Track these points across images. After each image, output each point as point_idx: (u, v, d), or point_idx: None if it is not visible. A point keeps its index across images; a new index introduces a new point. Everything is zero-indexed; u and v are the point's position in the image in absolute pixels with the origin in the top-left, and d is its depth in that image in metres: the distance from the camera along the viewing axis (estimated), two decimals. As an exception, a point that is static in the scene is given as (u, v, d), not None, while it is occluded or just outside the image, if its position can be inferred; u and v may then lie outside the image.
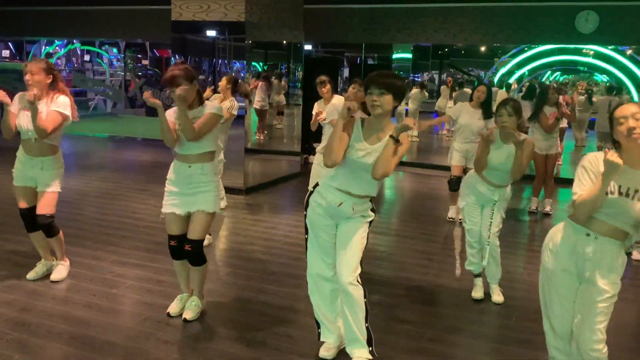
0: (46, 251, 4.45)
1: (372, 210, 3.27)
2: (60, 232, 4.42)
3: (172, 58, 8.50)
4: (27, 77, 4.06)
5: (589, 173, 2.60)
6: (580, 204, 2.56)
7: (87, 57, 24.35)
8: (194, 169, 3.66)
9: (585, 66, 21.87)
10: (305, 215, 3.28)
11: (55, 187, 4.28)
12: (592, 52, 16.79)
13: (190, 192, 3.66)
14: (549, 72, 25.07)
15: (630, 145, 2.55)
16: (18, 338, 3.47)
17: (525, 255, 5.56)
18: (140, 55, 21.99)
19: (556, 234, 2.80)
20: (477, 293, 4.41)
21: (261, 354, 3.41)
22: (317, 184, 3.29)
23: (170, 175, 3.73)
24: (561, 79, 24.72)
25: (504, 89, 14.82)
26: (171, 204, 3.70)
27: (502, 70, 23.45)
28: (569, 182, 3.27)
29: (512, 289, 4.50)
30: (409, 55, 15.87)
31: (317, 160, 5.03)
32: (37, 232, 4.34)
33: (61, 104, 4.13)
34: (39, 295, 4.13)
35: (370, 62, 13.35)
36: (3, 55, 22.24)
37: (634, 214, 2.55)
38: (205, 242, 4.96)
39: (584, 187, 2.59)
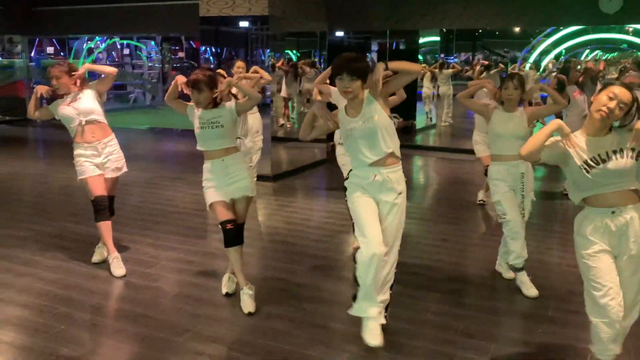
0: (110, 237, 4.71)
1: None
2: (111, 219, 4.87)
3: (208, 52, 8.93)
4: (54, 82, 4.52)
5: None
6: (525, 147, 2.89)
7: (126, 51, 25.07)
8: (227, 161, 3.98)
9: (625, 43, 21.42)
10: (347, 201, 3.46)
11: (117, 172, 4.80)
12: (631, 29, 16.47)
13: (230, 183, 3.97)
14: (588, 51, 24.57)
15: (595, 117, 2.81)
16: (63, 312, 3.92)
17: (540, 235, 5.73)
18: (177, 47, 22.59)
19: (582, 222, 2.91)
20: (532, 290, 4.26)
21: (277, 324, 3.77)
22: (351, 170, 3.49)
23: (206, 175, 4.01)
24: (605, 57, 24.12)
25: (539, 70, 14.69)
26: (217, 193, 3.97)
27: (538, 50, 23.19)
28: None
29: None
30: (438, 38, 15.89)
31: (339, 151, 5.23)
32: (109, 222, 4.68)
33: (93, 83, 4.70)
34: (82, 275, 4.59)
35: (402, 47, 13.50)
36: (48, 52, 23.16)
37: (626, 169, 2.77)
38: None
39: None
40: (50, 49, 23.27)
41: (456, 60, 23.28)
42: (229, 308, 4.04)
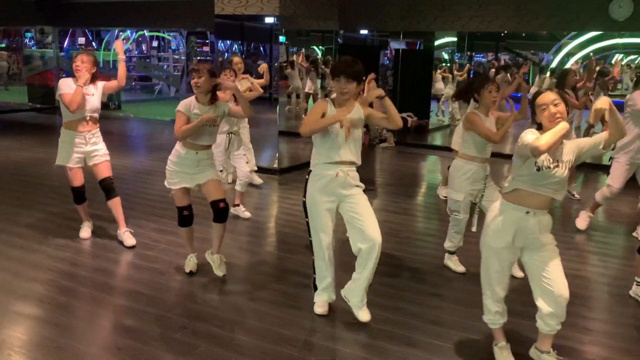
0: (87, 214, 5.43)
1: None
2: (118, 197, 5.29)
3: (236, 47, 9.24)
4: (78, 63, 4.88)
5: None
6: (544, 137, 2.89)
7: (155, 44, 25.62)
8: (201, 155, 4.38)
9: (657, 48, 21.14)
10: (304, 202, 3.84)
11: (106, 156, 5.22)
12: (664, 34, 16.26)
13: (197, 172, 4.39)
14: (622, 55, 24.27)
15: (551, 126, 3.02)
16: (67, 286, 4.30)
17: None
18: (202, 41, 23.06)
19: (497, 215, 3.21)
20: (461, 267, 4.87)
21: (261, 306, 4.09)
22: (310, 171, 3.86)
23: (174, 158, 4.39)
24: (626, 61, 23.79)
25: (549, 74, 14.67)
26: (180, 181, 4.40)
27: (563, 52, 23.05)
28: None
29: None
30: (456, 39, 15.96)
31: None
32: (85, 203, 5.32)
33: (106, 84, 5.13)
34: (87, 253, 4.99)
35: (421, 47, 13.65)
36: (79, 42, 23.84)
37: (563, 178, 3.05)
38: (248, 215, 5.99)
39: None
40: (81, 40, 23.99)
41: (484, 59, 23.23)
42: (216, 289, 4.37)
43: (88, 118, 5.00)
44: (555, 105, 3.01)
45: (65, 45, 22.89)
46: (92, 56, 5.05)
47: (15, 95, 16.71)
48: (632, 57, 24.03)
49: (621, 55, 19.45)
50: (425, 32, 11.69)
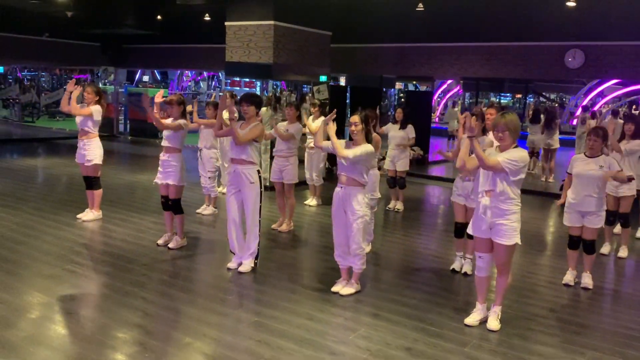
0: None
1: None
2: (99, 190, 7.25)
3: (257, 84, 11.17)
4: (85, 94, 7.04)
5: None
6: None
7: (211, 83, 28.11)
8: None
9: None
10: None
11: (87, 162, 7.19)
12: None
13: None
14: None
15: None
16: (77, 250, 6.16)
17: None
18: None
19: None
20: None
21: (205, 267, 5.81)
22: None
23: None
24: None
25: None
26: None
27: (589, 96, 24.12)
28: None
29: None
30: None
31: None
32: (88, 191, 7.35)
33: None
34: (93, 231, 6.88)
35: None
36: (143, 79, 26.76)
37: None
38: (209, 212, 7.58)
39: None
40: (145, 77, 26.94)
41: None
42: (177, 255, 6.12)
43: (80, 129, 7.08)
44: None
45: (134, 82, 25.91)
46: (94, 87, 7.18)
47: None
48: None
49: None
50: (426, 76, 13.30)
